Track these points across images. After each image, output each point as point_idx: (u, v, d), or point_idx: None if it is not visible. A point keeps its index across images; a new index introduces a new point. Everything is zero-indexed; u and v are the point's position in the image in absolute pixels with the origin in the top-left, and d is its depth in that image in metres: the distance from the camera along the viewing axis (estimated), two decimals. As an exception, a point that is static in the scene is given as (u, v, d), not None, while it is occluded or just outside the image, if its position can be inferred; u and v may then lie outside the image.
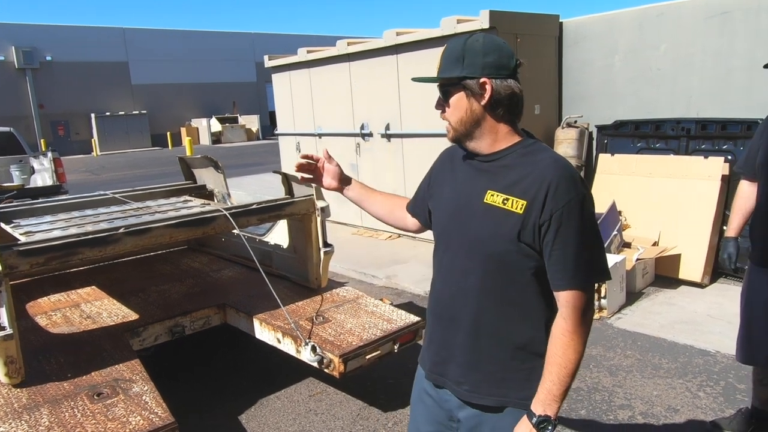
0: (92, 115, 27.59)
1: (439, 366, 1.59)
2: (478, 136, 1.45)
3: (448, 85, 1.44)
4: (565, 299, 1.37)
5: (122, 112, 28.55)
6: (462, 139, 1.48)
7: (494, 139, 1.44)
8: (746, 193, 2.63)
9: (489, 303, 1.46)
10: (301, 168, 1.82)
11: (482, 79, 1.39)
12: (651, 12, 5.52)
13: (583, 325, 1.37)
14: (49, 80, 26.97)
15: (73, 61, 27.44)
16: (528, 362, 1.46)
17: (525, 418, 1.42)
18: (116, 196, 4.28)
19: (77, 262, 3.46)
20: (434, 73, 1.46)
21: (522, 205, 1.36)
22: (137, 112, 29.04)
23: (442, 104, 1.47)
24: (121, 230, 2.87)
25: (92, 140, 27.55)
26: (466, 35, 1.44)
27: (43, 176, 8.64)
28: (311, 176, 1.84)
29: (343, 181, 1.84)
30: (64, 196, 5.91)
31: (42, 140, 25.76)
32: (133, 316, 3.44)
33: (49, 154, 8.60)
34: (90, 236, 2.76)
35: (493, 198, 1.41)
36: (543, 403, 1.39)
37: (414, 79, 1.54)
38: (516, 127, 1.47)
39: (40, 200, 4.46)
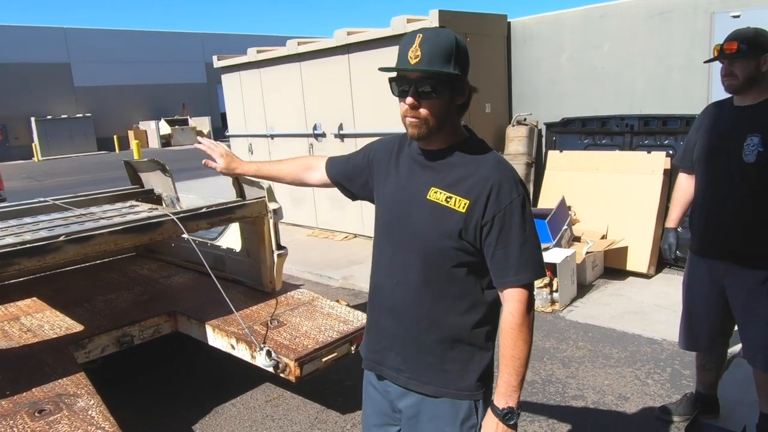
0: (32, 119, 26.38)
1: (378, 354, 1.62)
2: (442, 133, 1.44)
3: (438, 81, 1.37)
4: (510, 296, 1.42)
5: (65, 116, 27.41)
6: (430, 137, 1.43)
7: (447, 136, 1.46)
8: (684, 185, 2.73)
9: (429, 296, 1.49)
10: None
11: (466, 80, 1.43)
12: (594, 12, 5.68)
13: (529, 318, 1.43)
14: (-15, 83, 25.67)
15: (11, 62, 26.16)
16: (466, 353, 1.51)
17: (490, 413, 1.47)
18: (57, 202, 4.09)
19: (15, 272, 3.29)
20: (388, 65, 1.41)
21: (465, 204, 1.40)
22: (81, 115, 27.93)
23: (420, 98, 1.38)
24: (62, 238, 2.74)
25: (33, 145, 26.35)
26: (447, 30, 1.41)
27: (-22, 184, 8.20)
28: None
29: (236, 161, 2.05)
30: (1, 204, 5.61)
31: (-22, 146, 24.48)
32: (77, 327, 3.29)
33: (-15, 161, 8.17)
34: (28, 245, 2.63)
35: (437, 195, 1.44)
36: (504, 395, 1.44)
37: (384, 69, 1.43)
38: (460, 124, 1.51)
39: (-26, 209, 4.21)
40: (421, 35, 1.38)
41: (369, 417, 1.74)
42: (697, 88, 5.07)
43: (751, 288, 2.43)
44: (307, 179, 1.90)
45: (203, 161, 2.08)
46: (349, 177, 1.76)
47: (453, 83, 1.40)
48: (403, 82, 1.40)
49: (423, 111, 1.39)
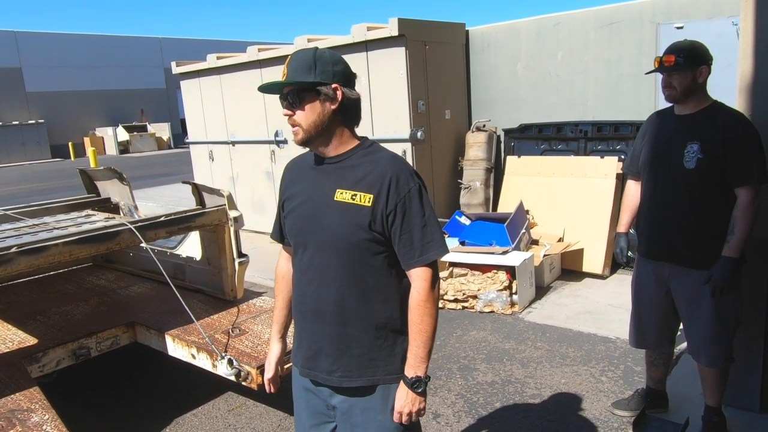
0: (-19, 126, 25.40)
1: (310, 360, 1.70)
2: (327, 138, 1.60)
3: (301, 90, 1.55)
4: (416, 275, 1.57)
5: (16, 122, 26.47)
6: (311, 141, 1.60)
7: (339, 141, 1.61)
8: (632, 191, 2.85)
9: (350, 291, 1.60)
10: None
11: (334, 86, 1.55)
12: (548, 22, 5.86)
13: (433, 294, 1.58)
14: (-71, 88, 24.57)
15: (-43, 66, 25.17)
16: (390, 339, 1.64)
17: (401, 383, 1.61)
18: (9, 212, 3.98)
19: (-36, 286, 3.19)
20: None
21: (369, 198, 1.54)
22: (34, 121, 27.03)
23: (292, 108, 1.57)
24: (14, 249, 2.68)
25: (-18, 153, 25.35)
26: (311, 49, 1.59)
27: (-77, 193, 7.86)
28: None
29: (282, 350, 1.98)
30: (-52, 215, 5.40)
31: None
32: (31, 340, 3.18)
33: (-70, 169, 7.84)
34: (-23, 258, 2.56)
35: (343, 195, 1.57)
36: (413, 366, 1.59)
37: (261, 88, 1.62)
38: (355, 132, 1.66)
39: None
40: (290, 56, 1.58)
41: (304, 419, 1.81)
42: (645, 95, 5.29)
43: (694, 288, 2.55)
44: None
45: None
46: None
47: (319, 91, 1.54)
48: (281, 97, 1.60)
49: (296, 119, 1.57)
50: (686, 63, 2.42)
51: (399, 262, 1.60)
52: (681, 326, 2.76)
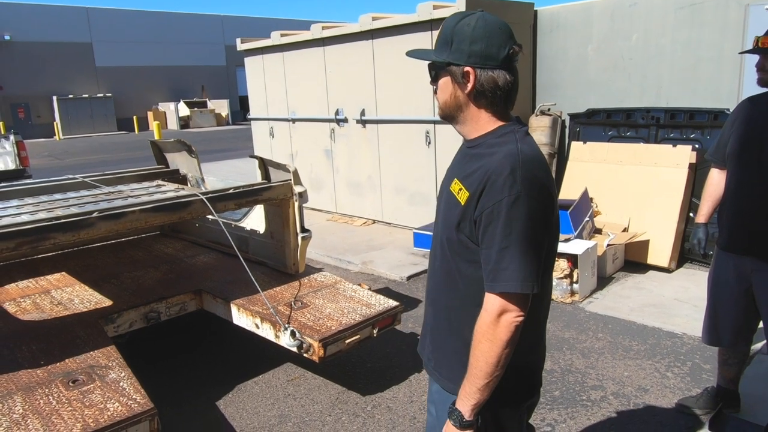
0: (54, 98, 26.70)
1: (421, 343, 1.67)
2: (462, 120, 1.43)
3: (437, 67, 1.40)
4: (485, 300, 1.34)
5: (86, 95, 27.71)
6: (448, 120, 1.47)
7: (475, 126, 1.41)
8: (716, 180, 2.71)
9: (445, 287, 1.49)
10: None
11: (466, 68, 1.34)
12: (624, 2, 5.60)
13: (494, 329, 1.30)
14: (9, 61, 25.96)
15: (34, 41, 26.46)
16: (466, 356, 1.41)
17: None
18: (86, 180, 4.17)
19: (49, 247, 3.38)
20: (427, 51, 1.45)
21: (465, 196, 1.35)
22: (102, 95, 28.22)
23: (433, 81, 1.45)
24: (95, 214, 2.80)
25: (54, 123, 26.71)
26: (461, 15, 1.37)
27: (5, 160, 8.35)
28: None
29: None
30: (29, 180, 5.72)
31: (1, 123, 24.82)
32: (106, 302, 3.37)
33: (12, 137, 8.31)
34: (63, 221, 2.69)
35: (454, 186, 1.40)
36: (460, 395, 1.40)
37: (408, 53, 1.48)
38: (501, 114, 1.40)
39: (3, 184, 4.30)
40: (444, 20, 1.41)
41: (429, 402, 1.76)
42: (726, 82, 4.99)
43: (779, 285, 2.42)
44: None
45: None
46: None
47: (450, 71, 1.37)
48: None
49: (437, 93, 1.44)
50: (787, 46, 2.26)
51: None
52: (760, 325, 2.63)
